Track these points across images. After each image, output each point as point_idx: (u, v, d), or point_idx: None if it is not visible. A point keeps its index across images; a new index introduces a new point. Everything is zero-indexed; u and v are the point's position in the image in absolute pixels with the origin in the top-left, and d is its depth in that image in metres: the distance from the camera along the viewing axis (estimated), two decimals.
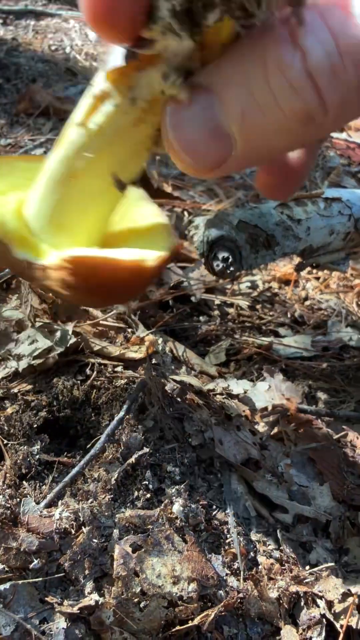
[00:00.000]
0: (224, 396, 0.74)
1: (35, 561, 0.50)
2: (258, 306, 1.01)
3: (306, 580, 0.55)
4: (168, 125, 0.30)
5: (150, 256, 0.41)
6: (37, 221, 0.44)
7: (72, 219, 0.42)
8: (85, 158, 0.38)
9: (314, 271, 1.17)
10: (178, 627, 0.49)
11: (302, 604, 0.54)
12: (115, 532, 0.53)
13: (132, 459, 0.59)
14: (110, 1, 0.26)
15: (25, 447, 0.60)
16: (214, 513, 0.59)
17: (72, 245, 0.42)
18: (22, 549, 0.50)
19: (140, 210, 0.51)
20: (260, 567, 0.56)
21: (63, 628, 0.47)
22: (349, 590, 0.55)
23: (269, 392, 0.77)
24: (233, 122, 0.28)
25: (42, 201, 0.43)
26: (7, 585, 0.49)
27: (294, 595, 0.54)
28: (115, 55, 0.33)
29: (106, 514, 0.54)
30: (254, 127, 0.28)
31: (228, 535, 0.58)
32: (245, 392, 0.77)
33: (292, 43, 0.26)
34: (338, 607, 0.54)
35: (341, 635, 0.52)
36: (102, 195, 0.41)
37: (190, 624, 0.49)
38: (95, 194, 0.41)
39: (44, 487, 0.57)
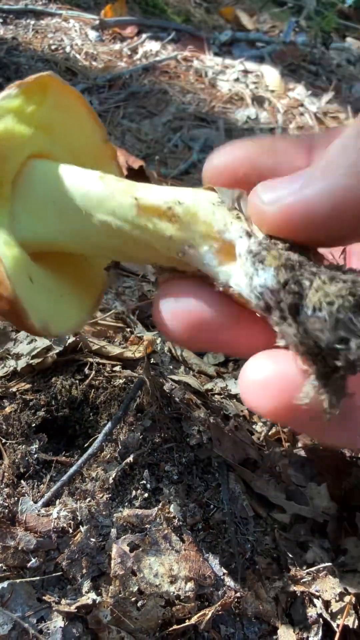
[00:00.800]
0: (222, 396, 0.74)
1: (33, 560, 0.50)
2: None
3: (303, 580, 0.55)
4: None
5: (58, 325, 0.44)
6: (22, 191, 0.43)
7: (45, 223, 0.42)
8: (100, 212, 0.38)
9: None
10: (175, 626, 0.49)
11: (299, 603, 0.54)
12: (113, 531, 0.53)
13: (130, 459, 0.59)
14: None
15: (23, 446, 0.60)
16: (211, 513, 0.59)
17: (27, 234, 0.42)
18: (19, 548, 0.51)
19: (94, 261, 0.52)
20: (257, 566, 0.56)
21: (60, 627, 0.47)
22: (345, 589, 0.55)
23: None
24: None
25: (43, 189, 0.42)
26: (5, 584, 0.49)
27: (291, 595, 0.54)
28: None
29: (104, 513, 0.54)
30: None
31: (225, 535, 0.58)
32: None
33: None
34: (335, 607, 0.54)
35: (337, 635, 0.52)
36: (81, 239, 0.42)
37: (187, 623, 0.50)
38: (76, 234, 0.42)
39: (42, 486, 0.57)
